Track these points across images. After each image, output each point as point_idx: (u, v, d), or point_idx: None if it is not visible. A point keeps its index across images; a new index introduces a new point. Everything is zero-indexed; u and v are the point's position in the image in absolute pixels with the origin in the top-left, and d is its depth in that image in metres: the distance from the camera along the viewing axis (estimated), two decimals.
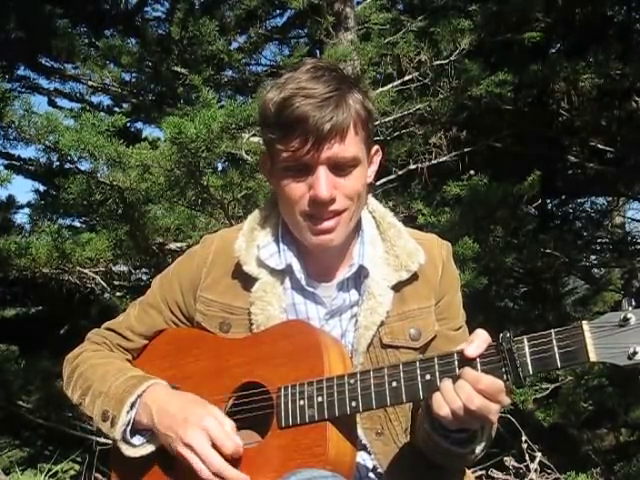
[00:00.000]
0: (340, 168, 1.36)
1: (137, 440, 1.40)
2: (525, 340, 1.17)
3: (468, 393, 1.17)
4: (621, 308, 1.11)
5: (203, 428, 1.30)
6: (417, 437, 1.39)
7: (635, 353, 1.07)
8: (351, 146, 1.36)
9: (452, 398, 1.19)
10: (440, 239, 1.55)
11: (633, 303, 1.11)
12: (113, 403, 1.40)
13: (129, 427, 1.39)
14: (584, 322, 1.12)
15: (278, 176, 1.40)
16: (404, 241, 1.47)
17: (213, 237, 1.57)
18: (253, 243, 1.47)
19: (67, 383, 1.54)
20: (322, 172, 1.34)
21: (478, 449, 1.32)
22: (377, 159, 1.50)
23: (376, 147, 1.49)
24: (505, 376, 1.17)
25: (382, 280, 1.43)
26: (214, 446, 1.30)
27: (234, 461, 1.31)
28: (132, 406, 1.39)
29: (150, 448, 1.39)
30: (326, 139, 1.32)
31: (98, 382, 1.46)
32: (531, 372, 1.16)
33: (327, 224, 1.37)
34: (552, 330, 1.15)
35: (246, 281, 1.46)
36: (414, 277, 1.45)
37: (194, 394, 1.40)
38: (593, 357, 1.11)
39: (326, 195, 1.34)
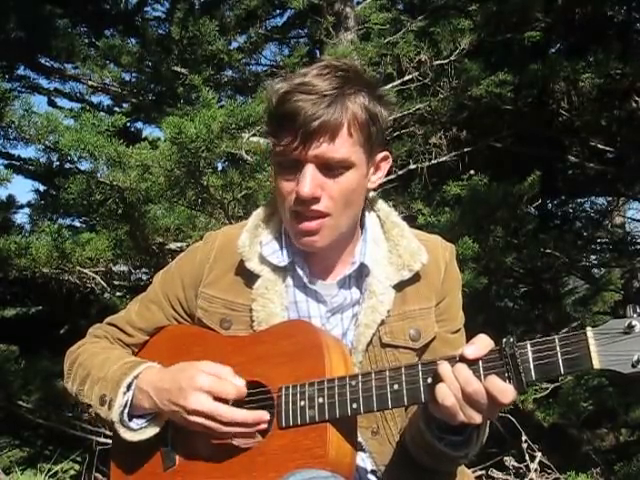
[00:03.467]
0: (329, 168, 1.33)
1: (135, 424, 1.39)
2: (528, 345, 1.16)
3: (466, 375, 1.17)
4: (626, 315, 1.11)
5: (198, 388, 1.30)
6: (408, 437, 1.38)
7: (639, 361, 1.07)
8: (342, 147, 1.32)
9: (450, 379, 1.18)
10: (444, 241, 1.54)
11: (638, 310, 1.10)
12: (110, 387, 1.40)
13: (126, 409, 1.39)
14: (588, 328, 1.12)
15: (274, 171, 1.40)
16: (407, 240, 1.46)
17: (216, 234, 1.56)
18: (256, 240, 1.46)
19: (67, 374, 1.53)
20: (309, 170, 1.32)
21: (471, 453, 1.31)
22: (385, 166, 1.45)
23: (385, 153, 1.44)
24: (508, 381, 1.16)
25: (384, 279, 1.42)
26: (218, 399, 1.30)
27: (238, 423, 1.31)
28: (128, 387, 1.38)
29: (149, 432, 1.39)
30: (313, 136, 1.29)
31: (97, 369, 1.46)
32: (534, 378, 1.15)
33: (309, 225, 1.35)
34: (555, 336, 1.14)
35: (248, 278, 1.45)
36: (416, 277, 1.44)
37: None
38: (597, 364, 1.10)
39: (307, 193, 1.31)
